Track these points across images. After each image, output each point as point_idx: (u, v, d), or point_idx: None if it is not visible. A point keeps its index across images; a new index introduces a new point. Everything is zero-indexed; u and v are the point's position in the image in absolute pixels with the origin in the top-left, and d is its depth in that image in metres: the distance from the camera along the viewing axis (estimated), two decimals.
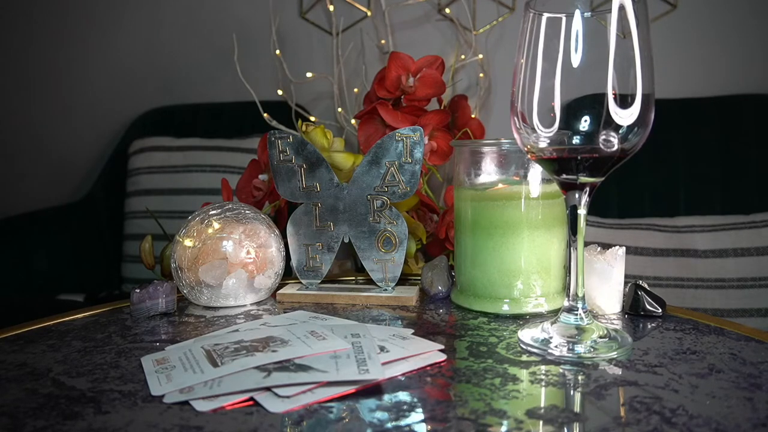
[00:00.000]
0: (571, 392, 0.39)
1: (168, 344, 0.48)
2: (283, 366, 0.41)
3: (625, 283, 0.57)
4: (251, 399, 0.37)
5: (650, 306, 0.55)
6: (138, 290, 0.57)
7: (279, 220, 0.73)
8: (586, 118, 0.41)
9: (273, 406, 0.36)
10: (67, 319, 0.57)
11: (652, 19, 1.38)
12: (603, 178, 0.45)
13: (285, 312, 0.58)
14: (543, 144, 0.44)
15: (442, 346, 0.46)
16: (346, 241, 0.63)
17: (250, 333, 0.48)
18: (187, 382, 0.39)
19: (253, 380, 0.39)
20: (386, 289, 0.62)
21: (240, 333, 0.48)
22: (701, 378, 0.40)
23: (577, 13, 0.41)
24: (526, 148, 0.45)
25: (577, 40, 0.41)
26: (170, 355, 0.45)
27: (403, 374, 0.41)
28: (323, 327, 0.49)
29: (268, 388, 0.38)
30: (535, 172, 0.56)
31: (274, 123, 1.24)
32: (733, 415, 0.35)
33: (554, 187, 0.55)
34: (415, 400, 0.38)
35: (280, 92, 1.49)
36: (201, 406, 0.37)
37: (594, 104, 0.41)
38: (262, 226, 0.62)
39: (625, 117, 0.41)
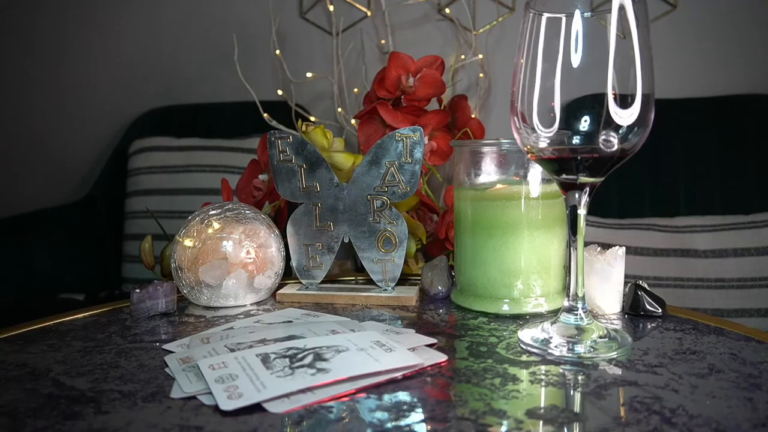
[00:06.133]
0: (571, 392, 0.39)
1: (168, 344, 0.48)
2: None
3: (625, 283, 0.57)
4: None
5: (650, 306, 0.55)
6: (138, 290, 0.57)
7: (279, 220, 0.73)
8: (586, 118, 0.41)
9: (273, 406, 0.36)
10: (67, 319, 0.57)
11: (652, 19, 1.38)
12: (603, 178, 0.45)
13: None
14: (543, 144, 0.44)
15: (435, 340, 0.47)
16: (346, 241, 0.63)
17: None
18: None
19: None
20: (386, 289, 0.62)
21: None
22: (701, 378, 0.40)
23: (577, 13, 0.41)
24: (526, 148, 0.45)
25: (577, 40, 0.41)
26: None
27: (403, 375, 0.41)
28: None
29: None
30: (535, 172, 0.56)
31: (274, 123, 1.24)
32: (733, 415, 0.35)
33: (554, 187, 0.55)
34: (415, 400, 0.38)
35: (280, 92, 1.49)
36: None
37: (594, 104, 0.41)
38: (262, 226, 0.62)
39: (625, 117, 0.41)
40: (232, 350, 0.44)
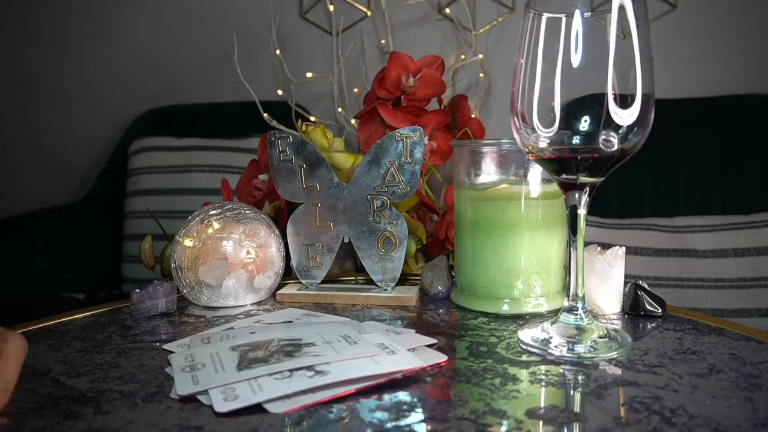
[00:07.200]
0: (571, 392, 0.39)
1: (168, 344, 0.48)
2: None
3: (625, 283, 0.57)
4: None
5: (650, 306, 0.55)
6: (138, 290, 0.57)
7: (279, 220, 0.73)
8: (586, 118, 0.41)
9: (273, 406, 0.36)
10: (67, 319, 0.57)
11: (652, 19, 1.38)
12: (603, 178, 0.45)
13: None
14: (543, 144, 0.44)
15: (435, 340, 0.47)
16: (346, 241, 0.63)
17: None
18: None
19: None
20: (386, 289, 0.62)
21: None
22: (701, 378, 0.40)
23: (577, 13, 0.41)
24: (526, 149, 0.45)
25: (577, 40, 0.41)
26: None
27: (403, 375, 0.41)
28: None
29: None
30: (535, 172, 0.56)
31: (274, 123, 1.24)
32: (733, 415, 0.35)
33: (554, 187, 0.55)
34: (415, 400, 0.38)
35: (280, 92, 1.49)
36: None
37: (594, 104, 0.41)
38: (262, 226, 0.62)
39: (625, 117, 0.41)
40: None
